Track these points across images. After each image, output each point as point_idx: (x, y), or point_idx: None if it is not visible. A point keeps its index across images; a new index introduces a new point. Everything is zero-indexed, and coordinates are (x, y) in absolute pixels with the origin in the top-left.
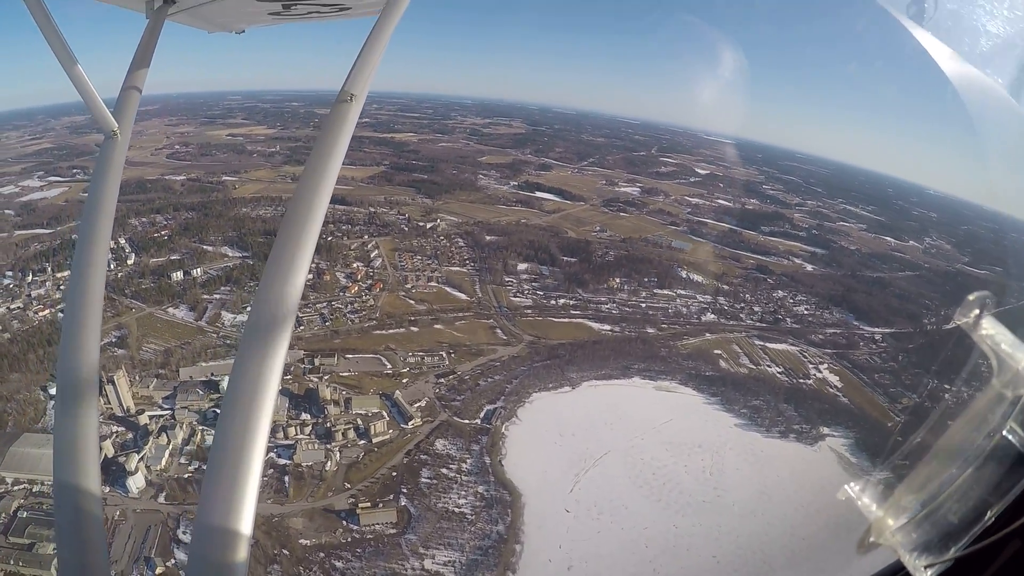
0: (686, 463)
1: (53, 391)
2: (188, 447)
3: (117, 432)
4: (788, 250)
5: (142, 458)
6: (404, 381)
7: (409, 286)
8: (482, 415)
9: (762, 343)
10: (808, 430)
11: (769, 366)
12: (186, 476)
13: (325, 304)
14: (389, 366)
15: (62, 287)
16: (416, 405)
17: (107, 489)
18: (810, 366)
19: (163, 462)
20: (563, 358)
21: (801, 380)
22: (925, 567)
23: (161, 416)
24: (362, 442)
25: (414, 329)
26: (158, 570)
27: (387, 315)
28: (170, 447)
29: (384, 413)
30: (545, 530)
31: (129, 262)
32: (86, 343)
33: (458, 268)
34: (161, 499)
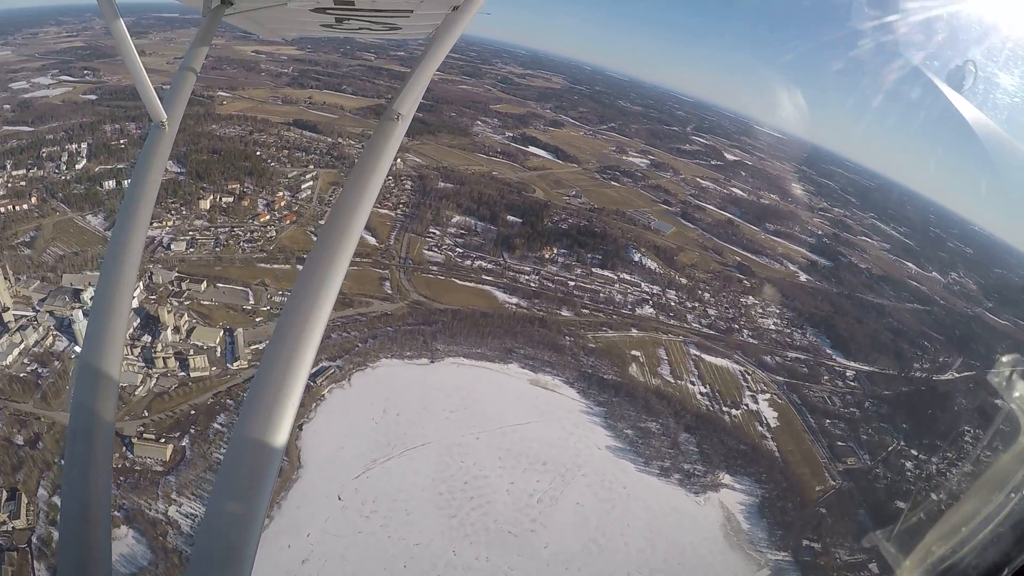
0: (514, 480)
1: None
2: (36, 348)
3: None
4: (786, 253)
5: None
6: (258, 320)
7: (322, 222)
8: (313, 371)
9: (699, 353)
10: (702, 474)
11: (693, 383)
12: (22, 375)
13: (228, 229)
14: (252, 302)
15: (10, 185)
16: (253, 347)
17: None
18: (747, 393)
19: (9, 359)
20: (439, 325)
21: (726, 408)
22: None
23: (26, 316)
24: (181, 374)
25: (300, 267)
26: None
27: (281, 249)
28: (21, 346)
29: (219, 349)
30: (303, 512)
31: (78, 166)
32: (113, 331)
33: (387, 212)
34: None
